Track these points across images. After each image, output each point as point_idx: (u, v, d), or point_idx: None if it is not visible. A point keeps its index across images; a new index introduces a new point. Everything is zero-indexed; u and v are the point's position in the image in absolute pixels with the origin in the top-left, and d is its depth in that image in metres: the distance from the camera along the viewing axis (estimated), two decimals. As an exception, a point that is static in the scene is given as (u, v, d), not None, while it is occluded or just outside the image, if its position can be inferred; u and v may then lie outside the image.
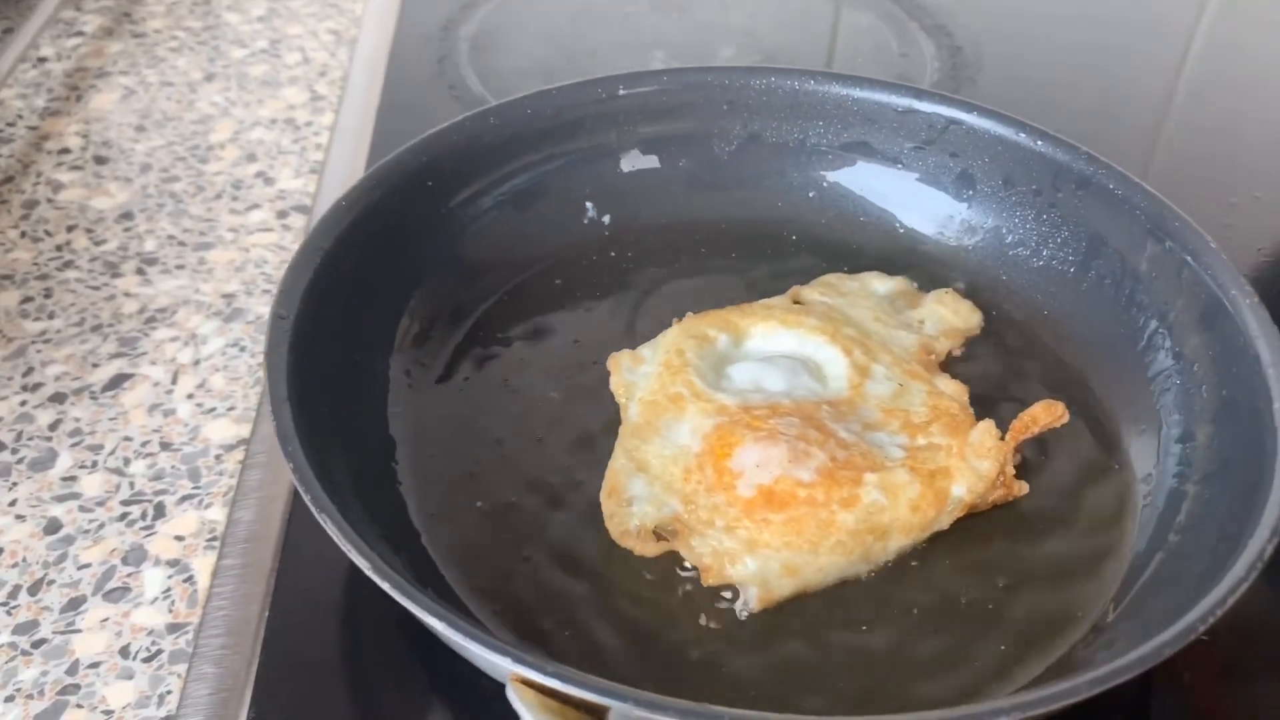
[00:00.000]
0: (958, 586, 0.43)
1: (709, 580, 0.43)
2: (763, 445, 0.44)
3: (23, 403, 0.53)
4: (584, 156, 0.56)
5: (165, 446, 0.51)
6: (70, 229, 0.63)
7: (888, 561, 0.44)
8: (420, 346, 0.50)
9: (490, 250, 0.54)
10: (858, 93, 0.57)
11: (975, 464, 0.44)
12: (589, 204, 0.57)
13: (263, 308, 0.58)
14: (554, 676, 0.33)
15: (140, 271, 0.60)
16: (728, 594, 0.43)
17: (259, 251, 0.62)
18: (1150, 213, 0.50)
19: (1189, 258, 0.48)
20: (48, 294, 0.59)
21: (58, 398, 0.53)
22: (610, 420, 0.48)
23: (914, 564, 0.44)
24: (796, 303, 0.53)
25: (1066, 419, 0.45)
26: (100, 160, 0.68)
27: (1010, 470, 0.45)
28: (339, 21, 0.83)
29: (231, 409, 0.53)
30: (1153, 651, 0.35)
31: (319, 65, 0.78)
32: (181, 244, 0.62)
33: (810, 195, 0.59)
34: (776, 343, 0.50)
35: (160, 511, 0.48)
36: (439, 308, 0.51)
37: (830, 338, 0.50)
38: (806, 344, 0.50)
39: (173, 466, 0.50)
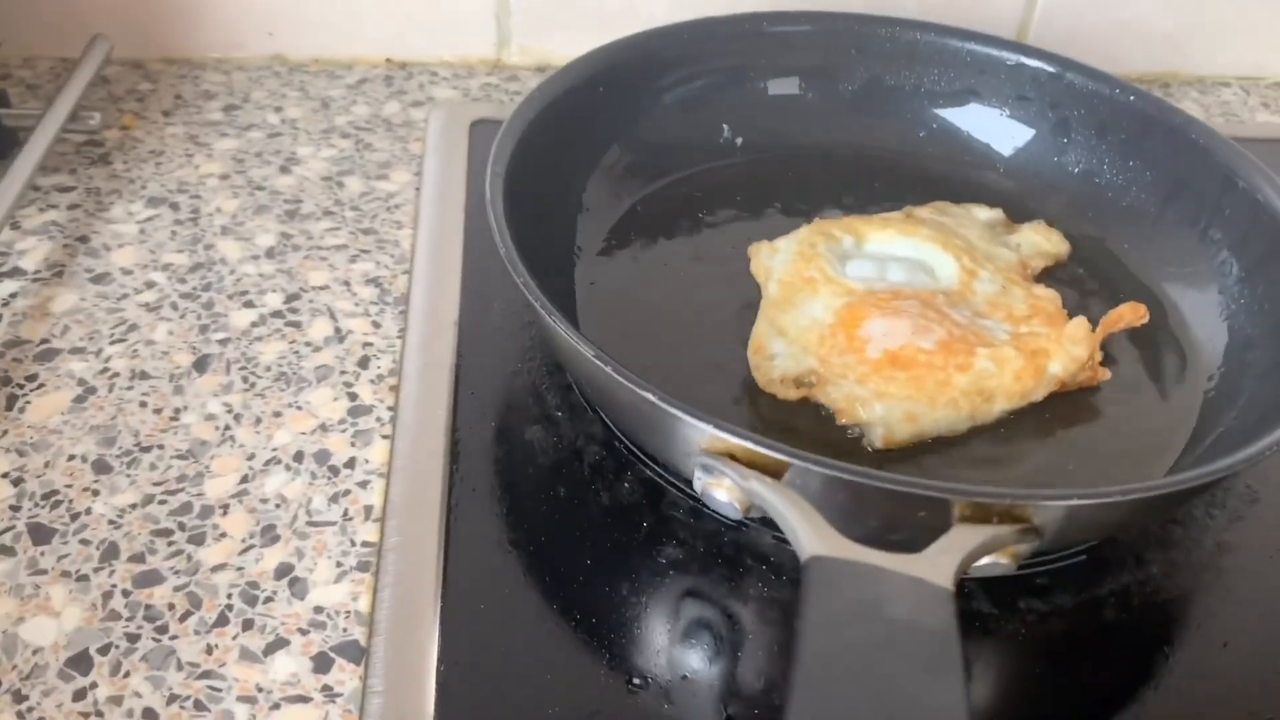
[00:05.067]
0: (1042, 449, 0.51)
1: (842, 420, 0.50)
2: (889, 319, 0.51)
3: None
4: (731, 79, 0.65)
5: None
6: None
7: (989, 421, 0.51)
8: (586, 225, 0.59)
9: (652, 149, 0.63)
10: (971, 46, 0.65)
11: (1070, 349, 0.52)
12: (725, 125, 0.66)
13: None
14: (748, 439, 0.39)
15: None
16: (856, 436, 0.50)
17: (294, 754, 0.40)
18: (1227, 159, 0.58)
19: (1260, 197, 0.56)
20: None
21: None
22: (746, 301, 0.56)
23: (1009, 426, 0.51)
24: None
25: (1147, 319, 0.54)
26: (41, 535, 0.46)
27: (1098, 357, 0.53)
28: (380, 260, 0.60)
29: None
30: (1211, 471, 0.41)
31: (357, 345, 0.55)
32: (169, 729, 0.40)
33: (921, 134, 0.67)
34: (894, 248, 0.58)
35: None
36: (604, 194, 0.61)
37: (942, 245, 0.57)
38: (921, 250, 0.57)
39: None
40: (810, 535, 0.36)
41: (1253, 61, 0.83)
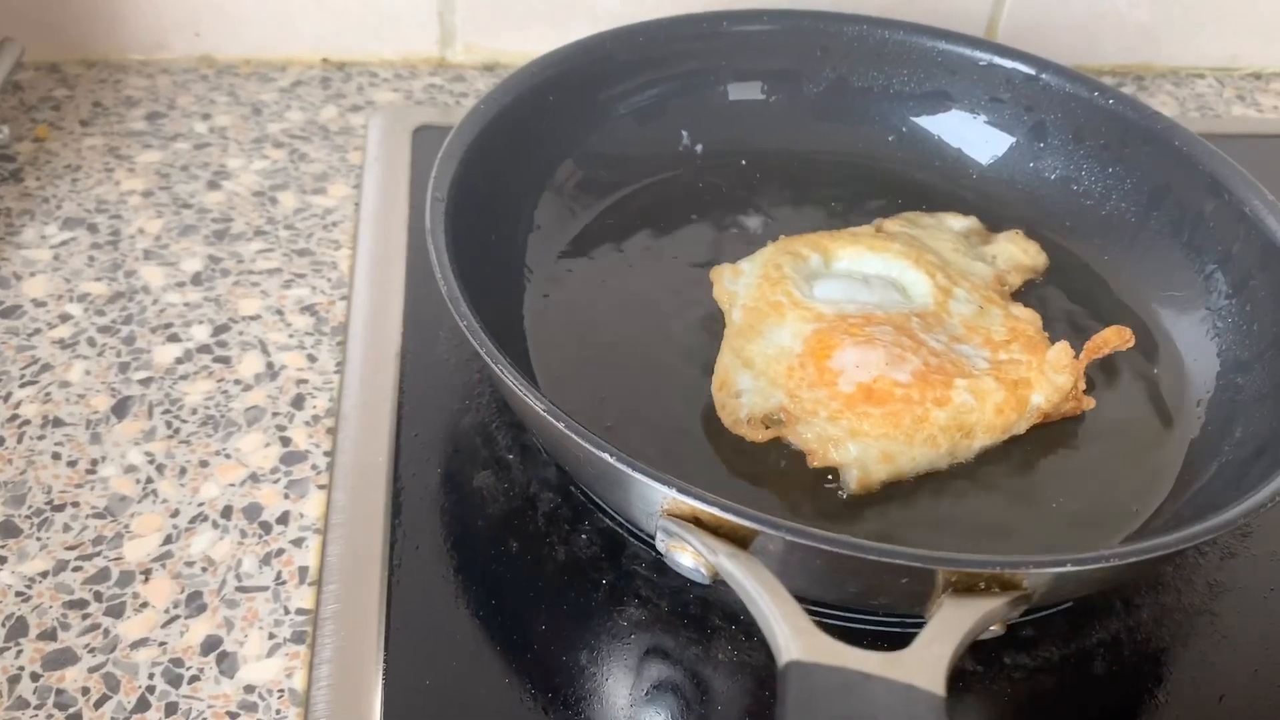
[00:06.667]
0: (1028, 483, 0.48)
1: (814, 462, 0.46)
2: (861, 348, 0.48)
3: None
4: (689, 83, 0.61)
5: None
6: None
7: (969, 459, 0.48)
8: (538, 244, 0.55)
9: (606, 162, 0.59)
10: (942, 45, 0.61)
11: (1053, 377, 0.49)
12: (684, 132, 0.61)
13: None
14: (714, 505, 0.36)
15: None
16: (829, 479, 0.46)
17: None
18: (1212, 167, 0.54)
19: (1247, 209, 0.52)
20: None
21: None
22: (709, 320, 0.53)
23: (988, 461, 0.48)
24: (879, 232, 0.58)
25: (1134, 343, 0.50)
26: (-62, 608, 0.42)
27: (1082, 385, 0.50)
28: (316, 285, 0.56)
29: None
30: (1221, 523, 0.39)
31: (291, 382, 0.51)
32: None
33: (890, 138, 0.63)
34: (864, 265, 0.54)
35: None
36: (556, 211, 0.56)
37: (914, 262, 0.54)
38: (892, 267, 0.54)
39: None
40: (787, 634, 0.33)
41: (1227, 52, 0.80)
